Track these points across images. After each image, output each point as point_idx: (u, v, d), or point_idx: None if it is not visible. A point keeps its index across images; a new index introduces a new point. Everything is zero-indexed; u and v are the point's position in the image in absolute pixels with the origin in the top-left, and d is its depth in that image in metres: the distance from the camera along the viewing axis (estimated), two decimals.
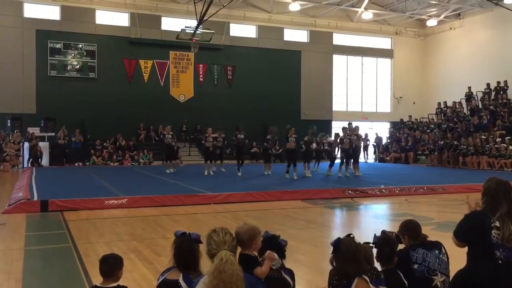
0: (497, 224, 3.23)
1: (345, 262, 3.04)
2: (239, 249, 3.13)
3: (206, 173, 17.26)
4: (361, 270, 3.01)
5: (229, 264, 2.54)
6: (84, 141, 23.64)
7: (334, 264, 3.15)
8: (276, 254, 3.20)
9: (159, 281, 3.12)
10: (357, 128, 18.08)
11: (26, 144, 22.17)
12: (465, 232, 3.38)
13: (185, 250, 3.07)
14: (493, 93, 26.45)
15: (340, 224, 9.70)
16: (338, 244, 3.11)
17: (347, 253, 3.03)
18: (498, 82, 26.14)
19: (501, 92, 25.86)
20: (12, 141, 21.39)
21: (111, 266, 3.29)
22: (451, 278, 3.48)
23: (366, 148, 27.43)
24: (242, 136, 17.76)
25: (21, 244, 6.96)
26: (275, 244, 3.41)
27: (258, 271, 3.10)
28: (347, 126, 18.14)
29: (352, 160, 17.57)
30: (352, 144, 17.24)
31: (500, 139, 22.19)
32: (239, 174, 16.81)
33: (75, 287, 5.08)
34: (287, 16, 28.49)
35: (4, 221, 8.67)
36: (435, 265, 3.40)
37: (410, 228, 3.60)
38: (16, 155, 21.50)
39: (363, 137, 26.63)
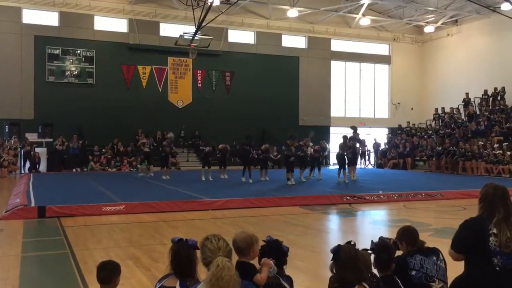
0: (495, 231, 3.23)
1: (345, 270, 3.03)
2: (234, 256, 3.12)
3: (203, 178, 17.27)
4: (361, 277, 3.00)
5: (226, 270, 2.53)
6: (82, 147, 23.59)
7: (334, 271, 3.14)
8: (271, 262, 3.19)
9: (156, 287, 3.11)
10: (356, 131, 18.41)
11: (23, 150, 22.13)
12: (464, 239, 3.36)
13: (182, 256, 3.06)
14: (491, 99, 26.53)
15: (338, 230, 9.69)
16: (338, 251, 3.10)
17: (347, 260, 3.02)
18: (496, 88, 26.22)
19: (499, 98, 25.94)
20: (8, 147, 21.31)
21: (109, 272, 3.27)
22: (449, 284, 3.48)
23: (363, 154, 27.45)
24: (247, 148, 17.70)
25: (18, 250, 6.93)
26: (278, 249, 3.41)
27: (258, 278, 3.09)
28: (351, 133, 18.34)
29: (347, 165, 17.61)
30: (354, 148, 17.51)
31: (498, 145, 22.23)
32: (243, 179, 16.86)
33: None
34: (285, 22, 28.58)
35: (1, 227, 8.63)
36: (433, 271, 3.39)
37: (408, 235, 3.59)
38: (13, 162, 21.40)
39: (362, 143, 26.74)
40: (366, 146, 27.50)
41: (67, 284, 5.41)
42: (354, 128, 18.75)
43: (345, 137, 17.61)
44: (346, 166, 17.39)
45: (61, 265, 6.19)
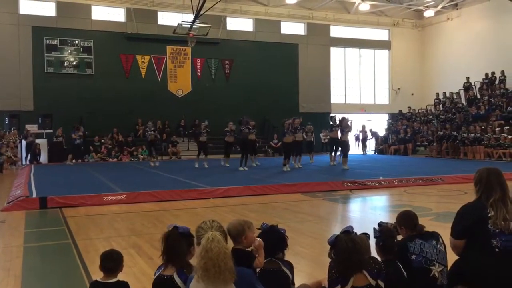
0: (492, 213, 3.25)
1: (342, 261, 3.03)
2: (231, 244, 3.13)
3: (196, 165, 17.51)
4: (360, 267, 2.99)
5: (215, 242, 2.53)
6: (83, 137, 23.50)
7: (333, 256, 3.14)
8: (261, 241, 3.22)
9: (155, 276, 3.15)
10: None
11: (24, 142, 22.11)
12: (464, 227, 3.36)
13: (172, 244, 3.07)
14: (488, 83, 26.43)
15: (339, 216, 9.71)
16: (335, 243, 3.09)
17: (344, 252, 3.01)
18: (493, 73, 26.12)
19: (499, 82, 25.84)
20: (8, 139, 21.26)
21: (116, 262, 3.32)
22: (449, 268, 3.49)
23: (364, 140, 27.46)
24: (247, 130, 17.61)
25: (21, 241, 6.96)
26: (276, 235, 3.41)
27: (257, 262, 3.12)
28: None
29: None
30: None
31: (499, 128, 22.17)
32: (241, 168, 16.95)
33: (75, 283, 5.09)
34: (283, 9, 28.40)
35: (3, 219, 8.67)
36: (433, 255, 3.40)
37: (407, 219, 3.61)
38: (14, 154, 21.38)
39: (361, 129, 26.91)
40: (366, 132, 27.51)
41: (70, 274, 5.44)
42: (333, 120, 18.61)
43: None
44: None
45: (63, 255, 6.22)
